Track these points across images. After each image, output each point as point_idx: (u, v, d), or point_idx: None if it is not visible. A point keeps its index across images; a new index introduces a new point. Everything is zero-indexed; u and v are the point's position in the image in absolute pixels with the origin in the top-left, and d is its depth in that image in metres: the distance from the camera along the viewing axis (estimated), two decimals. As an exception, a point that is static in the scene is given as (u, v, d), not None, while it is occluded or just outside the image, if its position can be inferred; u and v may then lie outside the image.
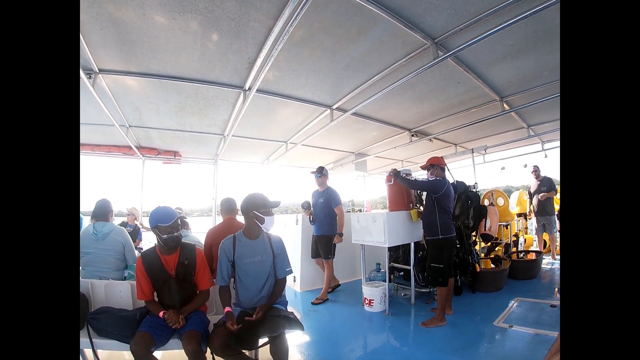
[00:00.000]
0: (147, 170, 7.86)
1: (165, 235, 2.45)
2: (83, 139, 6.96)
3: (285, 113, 5.33)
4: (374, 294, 4.24)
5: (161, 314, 2.35)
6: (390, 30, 3.09)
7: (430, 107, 5.30)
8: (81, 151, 7.37)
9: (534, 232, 7.29)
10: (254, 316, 2.35)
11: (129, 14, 2.74)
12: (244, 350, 2.38)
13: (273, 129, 6.26)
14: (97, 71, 3.69)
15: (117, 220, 4.42)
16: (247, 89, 4.11)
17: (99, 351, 2.39)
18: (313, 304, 4.68)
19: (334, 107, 5.00)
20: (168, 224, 2.44)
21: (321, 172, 5.11)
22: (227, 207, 3.60)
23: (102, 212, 3.25)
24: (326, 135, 6.08)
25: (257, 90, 3.87)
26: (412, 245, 4.40)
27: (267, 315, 2.39)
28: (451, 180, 4.57)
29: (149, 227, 2.58)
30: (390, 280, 4.58)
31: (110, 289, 2.81)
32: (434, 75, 4.07)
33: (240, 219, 3.06)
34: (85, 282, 2.80)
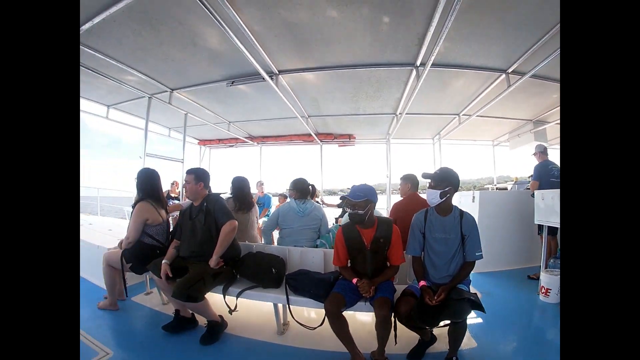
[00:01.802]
0: (324, 154, 8.82)
1: (349, 210, 2.66)
2: (267, 132, 8.50)
3: (457, 84, 5.11)
4: (553, 283, 3.73)
5: (354, 280, 2.55)
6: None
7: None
8: (265, 142, 9.03)
9: None
10: (436, 297, 2.32)
11: (300, 16, 3.10)
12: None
13: (444, 103, 6.07)
14: (277, 72, 4.32)
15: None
16: (418, 65, 4.12)
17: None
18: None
19: (509, 70, 4.52)
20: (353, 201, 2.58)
21: (536, 150, 5.20)
22: (412, 183, 3.76)
23: (303, 191, 3.73)
24: (501, 102, 5.54)
25: (426, 64, 3.85)
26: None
27: (452, 298, 2.31)
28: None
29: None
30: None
31: (305, 254, 3.33)
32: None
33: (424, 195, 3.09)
34: (283, 249, 3.40)
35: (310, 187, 3.82)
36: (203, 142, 9.96)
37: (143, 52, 3.95)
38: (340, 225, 2.88)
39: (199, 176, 3.09)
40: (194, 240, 3.01)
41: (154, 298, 3.80)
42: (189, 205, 3.19)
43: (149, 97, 5.26)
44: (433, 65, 3.94)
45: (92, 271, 4.24)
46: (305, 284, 2.78)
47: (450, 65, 4.30)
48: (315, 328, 2.65)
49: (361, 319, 3.17)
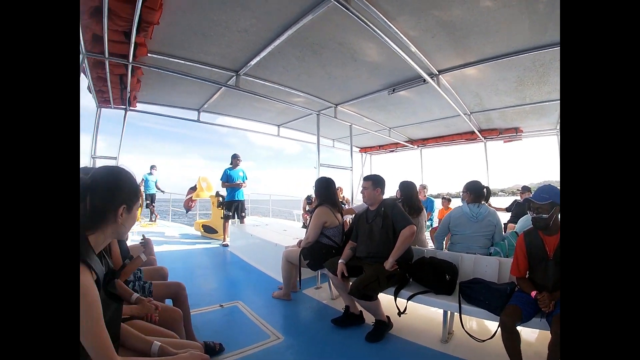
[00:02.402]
0: (489, 151, 8.22)
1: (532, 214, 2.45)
2: (427, 134, 8.44)
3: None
4: None
5: (533, 294, 2.33)
6: None
7: None
8: (426, 144, 8.98)
9: None
10: None
11: (455, 13, 2.99)
12: None
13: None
14: (437, 73, 4.26)
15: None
16: (584, 39, 3.52)
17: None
18: None
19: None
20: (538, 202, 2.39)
21: None
22: None
23: (477, 194, 3.58)
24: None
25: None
26: None
27: None
28: None
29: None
30: None
31: (478, 262, 3.17)
32: None
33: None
34: (455, 255, 3.31)
35: (485, 189, 3.61)
36: (364, 149, 10.49)
37: (307, 75, 4.42)
38: (516, 232, 2.62)
39: (376, 182, 3.31)
40: (371, 242, 3.21)
41: (323, 292, 4.17)
42: (365, 209, 3.41)
43: (317, 114, 5.80)
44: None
45: (268, 265, 4.91)
46: (481, 294, 2.64)
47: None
48: (484, 340, 2.52)
49: (526, 337, 2.84)
